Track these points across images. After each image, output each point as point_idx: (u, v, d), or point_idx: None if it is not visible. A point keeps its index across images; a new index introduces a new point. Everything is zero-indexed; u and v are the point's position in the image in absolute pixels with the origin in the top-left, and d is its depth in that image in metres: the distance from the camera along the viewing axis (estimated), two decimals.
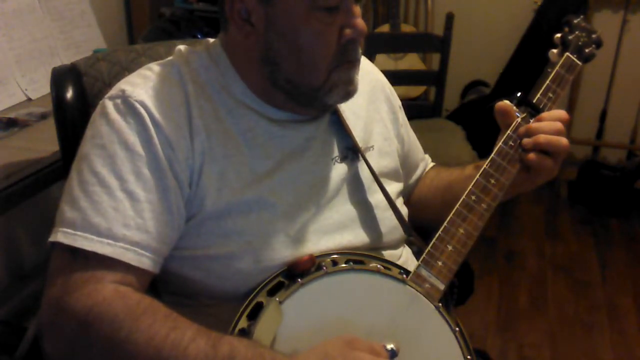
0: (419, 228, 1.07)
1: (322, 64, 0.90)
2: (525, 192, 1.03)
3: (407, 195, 1.19)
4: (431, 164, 1.26)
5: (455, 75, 2.93)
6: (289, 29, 0.88)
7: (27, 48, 1.91)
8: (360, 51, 0.94)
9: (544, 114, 0.98)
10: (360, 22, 0.90)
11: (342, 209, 0.98)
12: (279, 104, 0.95)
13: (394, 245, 1.05)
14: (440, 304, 0.91)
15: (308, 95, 0.93)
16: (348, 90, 0.94)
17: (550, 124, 0.96)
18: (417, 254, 1.07)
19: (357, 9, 0.91)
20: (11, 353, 1.72)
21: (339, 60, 0.91)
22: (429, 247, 0.92)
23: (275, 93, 0.94)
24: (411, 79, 2.86)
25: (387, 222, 1.02)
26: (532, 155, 0.95)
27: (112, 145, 0.86)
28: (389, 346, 0.82)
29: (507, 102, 0.99)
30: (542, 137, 0.95)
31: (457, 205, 0.94)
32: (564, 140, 0.95)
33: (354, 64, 0.93)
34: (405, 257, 1.06)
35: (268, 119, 0.95)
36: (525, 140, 0.96)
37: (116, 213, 0.83)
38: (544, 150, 0.95)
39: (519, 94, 0.99)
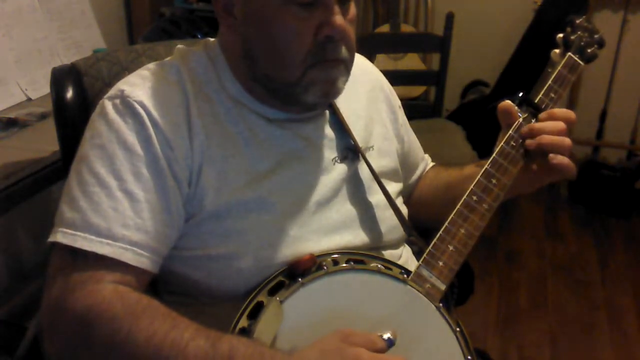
0: (419, 228, 1.08)
1: (295, 60, 0.88)
2: (530, 192, 1.03)
3: (407, 195, 1.19)
4: (431, 164, 1.26)
5: (455, 75, 2.94)
6: (263, 23, 0.88)
7: (27, 48, 1.91)
8: (344, 50, 0.90)
9: (550, 112, 0.98)
10: (338, 19, 0.87)
11: (342, 208, 0.98)
12: (270, 103, 0.95)
13: (394, 245, 1.05)
14: (440, 304, 0.91)
15: (284, 92, 0.92)
16: (327, 90, 0.92)
17: (552, 124, 0.95)
18: (417, 254, 1.07)
19: (351, 10, 0.90)
20: (11, 353, 1.72)
21: (316, 58, 0.89)
22: (429, 247, 0.92)
23: (258, 89, 0.94)
24: (411, 79, 2.86)
25: (387, 221, 1.02)
26: (564, 160, 0.95)
27: (111, 145, 0.86)
28: (386, 335, 0.81)
29: (509, 102, 0.98)
30: (545, 138, 0.94)
31: (459, 206, 0.94)
32: (567, 141, 0.95)
33: (334, 63, 0.90)
34: (405, 256, 1.06)
35: (266, 119, 0.95)
36: (529, 142, 0.96)
37: (115, 213, 0.83)
38: (547, 151, 0.95)
39: (520, 94, 0.99)
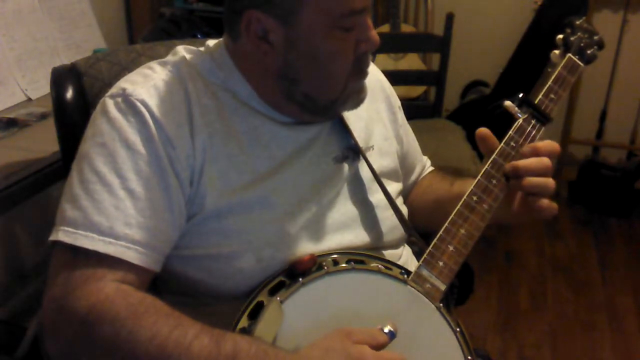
0: (419, 228, 1.08)
1: (340, 78, 0.92)
2: (514, 224, 1.02)
3: (404, 197, 1.19)
4: (429, 168, 1.26)
5: (455, 75, 2.94)
6: (309, 49, 0.89)
7: (27, 48, 1.91)
8: (370, 59, 0.95)
9: (534, 146, 0.95)
10: (374, 34, 0.92)
11: (343, 208, 0.98)
12: (287, 113, 0.96)
13: (395, 245, 1.05)
14: (441, 304, 0.91)
15: (324, 108, 0.95)
16: (361, 99, 0.97)
17: (537, 163, 0.93)
18: (417, 254, 1.07)
19: (370, 20, 0.92)
20: (11, 353, 1.72)
21: (354, 72, 0.92)
22: (430, 248, 0.92)
23: (287, 105, 0.95)
24: (411, 79, 2.85)
25: (388, 221, 1.02)
26: (544, 203, 0.93)
27: (112, 143, 0.85)
28: (387, 328, 0.82)
29: (510, 105, 0.99)
30: (528, 181, 0.93)
31: (459, 206, 0.94)
32: (550, 182, 0.93)
33: (366, 73, 0.96)
34: (405, 256, 1.06)
35: (272, 121, 0.96)
36: (513, 182, 0.95)
37: (117, 212, 0.83)
38: (530, 193, 0.94)
39: (520, 95, 0.99)
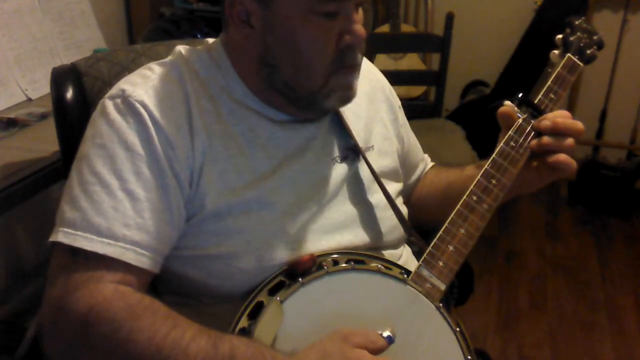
0: (419, 228, 1.08)
1: (319, 69, 0.90)
2: (531, 192, 1.03)
3: (407, 195, 1.19)
4: (430, 164, 1.26)
5: (455, 75, 2.94)
6: (286, 33, 0.88)
7: (27, 48, 1.91)
8: (360, 56, 0.93)
9: (551, 116, 0.98)
10: (359, 27, 0.90)
11: (343, 208, 0.98)
12: (279, 106, 0.95)
13: (394, 245, 1.05)
14: (441, 304, 0.91)
15: (305, 99, 0.93)
16: (347, 95, 0.94)
17: (573, 124, 0.96)
18: (417, 254, 1.07)
19: (359, 15, 0.91)
20: (11, 353, 1.72)
21: (337, 65, 0.90)
22: (429, 247, 0.92)
23: (274, 95, 0.94)
24: (411, 79, 2.85)
25: (388, 221, 1.02)
26: (561, 157, 0.95)
27: (112, 144, 0.86)
28: (385, 333, 0.82)
29: (509, 105, 0.99)
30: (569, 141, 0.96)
31: (458, 206, 0.94)
32: (570, 140, 0.96)
33: (353, 69, 0.93)
34: (405, 256, 1.06)
35: (270, 120, 0.95)
36: (546, 139, 0.96)
37: (116, 213, 0.83)
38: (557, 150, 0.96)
39: (520, 95, 0.99)
